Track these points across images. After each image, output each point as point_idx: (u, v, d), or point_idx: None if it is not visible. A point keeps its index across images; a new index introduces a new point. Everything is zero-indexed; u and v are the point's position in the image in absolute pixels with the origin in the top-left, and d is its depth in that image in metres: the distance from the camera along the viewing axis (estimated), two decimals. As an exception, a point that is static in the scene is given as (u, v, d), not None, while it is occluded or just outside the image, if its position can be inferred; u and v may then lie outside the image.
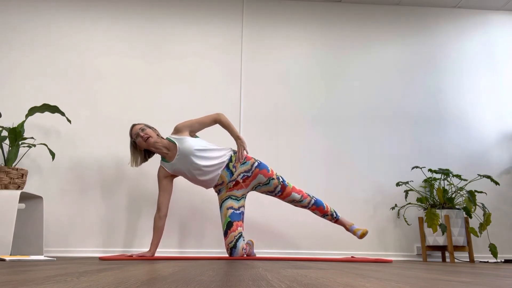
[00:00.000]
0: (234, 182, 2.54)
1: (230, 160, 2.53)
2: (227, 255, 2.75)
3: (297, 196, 2.56)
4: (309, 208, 2.61)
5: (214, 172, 2.49)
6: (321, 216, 2.63)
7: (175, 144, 2.52)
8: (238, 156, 2.49)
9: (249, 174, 2.53)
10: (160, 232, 2.54)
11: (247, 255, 2.54)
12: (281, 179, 2.56)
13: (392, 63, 3.63)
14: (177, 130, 2.60)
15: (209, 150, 2.50)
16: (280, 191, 2.55)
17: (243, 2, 3.66)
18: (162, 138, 2.60)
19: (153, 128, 2.61)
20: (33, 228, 2.73)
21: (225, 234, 2.45)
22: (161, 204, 2.55)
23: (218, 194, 2.60)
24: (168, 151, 2.54)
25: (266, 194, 2.63)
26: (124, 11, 3.53)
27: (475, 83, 3.65)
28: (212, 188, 2.62)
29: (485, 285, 0.85)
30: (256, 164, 2.55)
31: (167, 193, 2.57)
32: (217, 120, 2.59)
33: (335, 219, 2.63)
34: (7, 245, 2.34)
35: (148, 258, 2.37)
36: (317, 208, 2.59)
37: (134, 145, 2.59)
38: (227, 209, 2.49)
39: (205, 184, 2.56)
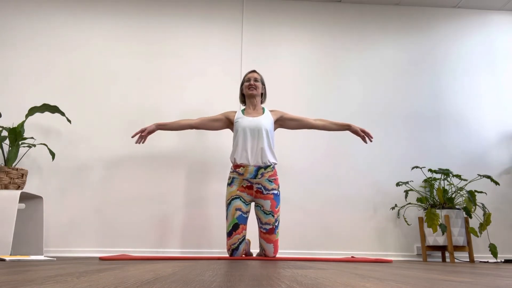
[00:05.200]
0: (249, 185, 2.51)
1: (266, 168, 2.50)
2: (226, 255, 2.75)
3: (270, 251, 2.43)
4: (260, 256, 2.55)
5: (254, 156, 2.50)
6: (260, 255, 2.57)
7: (262, 113, 2.65)
8: (363, 135, 2.68)
9: (263, 192, 2.49)
10: (175, 126, 2.65)
11: (244, 254, 2.55)
12: (277, 223, 2.46)
13: (392, 63, 3.63)
14: (273, 110, 2.75)
15: (269, 145, 2.55)
16: (266, 229, 2.44)
17: (243, 2, 3.66)
18: (260, 101, 2.74)
19: (263, 87, 2.75)
20: (33, 228, 2.73)
21: (230, 234, 2.42)
22: (202, 120, 2.68)
23: (229, 185, 2.52)
24: (253, 111, 2.67)
25: (256, 218, 2.51)
26: (124, 10, 3.53)
27: (475, 83, 3.65)
28: (230, 173, 2.56)
29: (485, 285, 0.85)
30: (275, 192, 2.50)
31: (214, 123, 2.68)
32: (319, 119, 2.75)
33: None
34: (7, 245, 2.34)
35: (150, 129, 2.62)
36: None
37: (241, 85, 2.76)
38: (236, 209, 2.45)
39: (241, 151, 2.51)
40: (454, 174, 3.08)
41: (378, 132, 3.42)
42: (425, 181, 3.20)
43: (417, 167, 3.17)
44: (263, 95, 2.75)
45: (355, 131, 2.70)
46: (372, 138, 2.69)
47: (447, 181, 3.12)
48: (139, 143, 2.68)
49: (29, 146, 2.83)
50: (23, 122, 2.71)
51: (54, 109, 2.79)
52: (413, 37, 3.73)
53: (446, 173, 3.01)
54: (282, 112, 2.72)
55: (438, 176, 3.25)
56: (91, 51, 3.40)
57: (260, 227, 2.48)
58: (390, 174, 3.34)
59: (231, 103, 3.36)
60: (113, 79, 3.35)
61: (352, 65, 3.59)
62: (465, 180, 3.05)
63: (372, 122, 3.44)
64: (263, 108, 2.70)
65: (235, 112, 2.70)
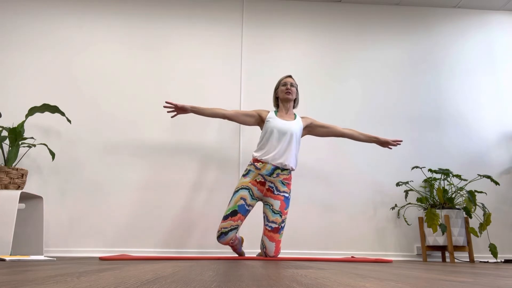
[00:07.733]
0: (262, 181, 2.54)
1: (284, 169, 2.55)
2: (226, 255, 2.76)
3: (271, 249, 2.44)
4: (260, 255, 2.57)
5: (276, 157, 2.53)
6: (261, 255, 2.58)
7: (294, 118, 2.69)
8: (392, 143, 2.79)
9: (274, 192, 2.54)
10: (208, 112, 2.63)
11: (232, 247, 2.58)
12: (283, 225, 2.50)
13: (392, 63, 3.63)
14: (303, 117, 2.79)
15: (294, 150, 2.58)
16: (271, 228, 2.47)
17: (243, 2, 3.66)
18: (293, 107, 2.78)
19: (297, 92, 2.78)
20: (33, 228, 2.73)
21: (225, 218, 2.46)
22: (237, 112, 2.68)
23: (244, 176, 2.57)
24: (285, 114, 2.70)
25: (264, 216, 2.54)
26: (123, 10, 3.53)
27: (475, 83, 3.65)
28: (248, 166, 2.60)
29: (485, 285, 0.85)
30: (286, 195, 2.56)
31: (247, 118, 2.69)
32: (347, 128, 2.82)
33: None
34: (7, 245, 2.34)
35: (183, 108, 2.60)
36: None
37: (276, 88, 2.78)
38: (241, 198, 2.49)
39: (265, 150, 2.57)
40: (454, 174, 3.08)
41: (378, 132, 3.42)
42: (425, 181, 3.20)
43: (417, 167, 3.17)
44: (295, 101, 2.78)
45: (385, 142, 2.78)
46: (401, 140, 2.80)
47: (447, 181, 3.12)
48: (168, 112, 2.63)
49: (29, 146, 2.83)
50: (23, 122, 2.71)
51: (54, 109, 2.79)
52: (413, 37, 3.72)
53: (446, 173, 3.01)
54: (312, 119, 2.77)
55: (438, 176, 3.25)
56: (91, 51, 3.40)
57: (265, 225, 2.51)
58: (390, 174, 3.34)
59: (231, 103, 3.36)
60: (113, 79, 3.35)
61: (352, 65, 3.59)
62: (465, 180, 3.05)
63: (372, 122, 3.44)
64: (294, 114, 2.74)
65: (268, 111, 2.74)
